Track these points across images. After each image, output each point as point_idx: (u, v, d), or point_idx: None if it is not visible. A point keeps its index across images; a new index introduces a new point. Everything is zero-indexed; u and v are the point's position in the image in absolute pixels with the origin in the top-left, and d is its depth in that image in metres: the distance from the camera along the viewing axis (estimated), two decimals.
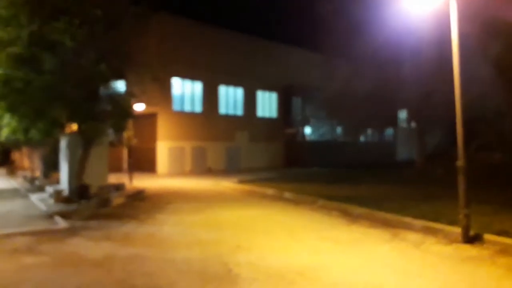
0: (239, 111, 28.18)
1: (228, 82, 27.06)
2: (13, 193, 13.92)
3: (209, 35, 25.61)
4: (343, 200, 10.82)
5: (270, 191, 13.92)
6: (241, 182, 17.50)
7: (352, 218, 9.23)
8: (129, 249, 6.47)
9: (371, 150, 33.59)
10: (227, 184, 17.01)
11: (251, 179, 18.72)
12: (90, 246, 6.65)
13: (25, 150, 20.69)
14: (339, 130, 33.05)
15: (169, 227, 8.24)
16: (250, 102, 28.69)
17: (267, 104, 30.06)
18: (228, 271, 5.29)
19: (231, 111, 27.60)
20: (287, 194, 12.85)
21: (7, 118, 10.86)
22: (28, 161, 20.83)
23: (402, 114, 32.40)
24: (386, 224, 8.39)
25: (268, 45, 29.23)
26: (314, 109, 30.04)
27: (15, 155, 23.94)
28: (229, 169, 26.02)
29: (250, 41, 28.14)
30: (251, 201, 12.23)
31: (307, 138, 31.14)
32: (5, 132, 11.52)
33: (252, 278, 5.02)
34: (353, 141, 33.22)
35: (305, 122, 31.07)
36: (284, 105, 30.61)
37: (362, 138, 35.10)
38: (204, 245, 6.72)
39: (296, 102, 30.70)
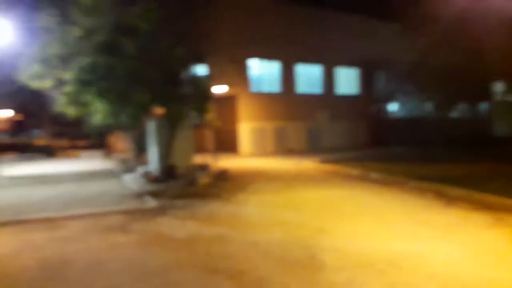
0: (318, 89, 27.42)
1: (305, 60, 26.37)
2: (108, 174, 14.96)
3: (285, 12, 24.99)
4: (437, 181, 9.90)
5: (354, 171, 13.32)
6: (323, 162, 17.04)
7: (448, 200, 8.39)
8: (212, 229, 6.50)
9: (464, 126, 30.71)
10: (309, 164, 16.67)
11: (334, 159, 18.16)
12: (176, 226, 6.81)
13: (118, 133, 22.18)
14: (427, 105, 30.71)
15: (251, 207, 8.19)
16: (329, 79, 27.74)
17: (347, 80, 28.81)
18: (311, 257, 5.02)
19: (310, 90, 26.96)
20: (373, 175, 12.17)
21: (98, 104, 11.52)
22: (121, 143, 22.34)
23: (498, 87, 29.13)
24: (487, 207, 7.50)
25: (345, 19, 27.77)
26: (399, 83, 28.16)
27: (110, 139, 25.83)
28: (310, 149, 25.60)
29: (326, 16, 26.90)
30: (334, 181, 11.79)
31: (393, 115, 29.41)
32: (98, 117, 12.24)
33: (338, 266, 4.70)
34: (443, 116, 30.66)
35: (390, 98, 29.32)
36: (366, 81, 29.11)
37: (453, 114, 32.29)
38: (285, 227, 6.52)
39: (379, 77, 28.97)
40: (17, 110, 34.81)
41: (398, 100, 29.48)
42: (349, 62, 28.49)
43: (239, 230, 6.39)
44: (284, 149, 24.83)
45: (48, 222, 7.30)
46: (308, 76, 26.84)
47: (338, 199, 8.99)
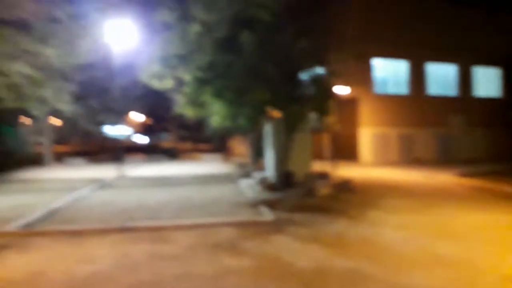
0: (452, 91, 24.01)
1: (438, 59, 23.21)
2: (225, 178, 14.48)
3: (416, 8, 22.16)
4: None
5: (509, 188, 10.77)
6: (464, 175, 14.40)
7: None
8: (344, 260, 5.05)
9: None
10: (445, 178, 14.18)
11: (476, 172, 15.31)
12: (296, 250, 5.54)
13: (237, 137, 22.07)
14: None
15: (389, 231, 6.53)
16: (465, 80, 24.16)
17: (487, 81, 24.88)
18: None
19: (442, 92, 23.72)
20: None
21: (216, 105, 11.00)
22: (240, 147, 22.19)
23: None
24: None
25: (483, 15, 23.73)
26: None
27: (230, 143, 26.05)
28: (441, 159, 22.43)
29: (462, 12, 23.21)
30: (487, 201, 9.41)
31: None
32: (216, 119, 11.79)
33: None
34: None
35: None
36: (508, 81, 24.81)
37: None
38: (448, 265, 4.77)
39: None
40: (147, 115, 37.71)
41: None
42: (489, 61, 24.55)
43: (381, 265, 4.83)
44: (409, 158, 22.18)
45: (154, 231, 6.65)
46: (441, 77, 23.74)
47: (507, 227, 6.86)
